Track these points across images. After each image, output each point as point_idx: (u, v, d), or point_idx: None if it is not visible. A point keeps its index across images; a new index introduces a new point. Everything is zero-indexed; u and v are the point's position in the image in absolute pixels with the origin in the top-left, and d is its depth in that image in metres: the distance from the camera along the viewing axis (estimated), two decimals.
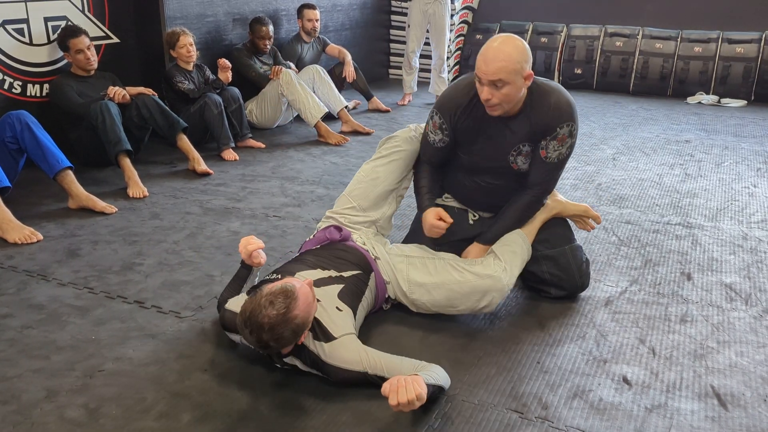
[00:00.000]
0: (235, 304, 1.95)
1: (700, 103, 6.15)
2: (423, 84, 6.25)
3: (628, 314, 2.37)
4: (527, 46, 2.10)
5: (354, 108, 5.72)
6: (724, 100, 6.13)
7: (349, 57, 5.47)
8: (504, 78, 2.02)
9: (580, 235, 3.07)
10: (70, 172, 3.26)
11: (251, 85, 4.77)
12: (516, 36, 2.11)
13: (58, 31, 3.82)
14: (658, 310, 2.41)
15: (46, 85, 3.92)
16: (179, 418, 1.78)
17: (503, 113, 2.17)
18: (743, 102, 6.08)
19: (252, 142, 4.50)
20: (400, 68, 6.58)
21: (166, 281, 2.57)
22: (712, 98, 6.15)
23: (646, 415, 1.81)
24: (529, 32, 6.93)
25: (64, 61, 3.94)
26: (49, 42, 3.94)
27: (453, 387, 1.92)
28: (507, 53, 2.02)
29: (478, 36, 7.11)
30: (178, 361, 2.02)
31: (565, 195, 3.60)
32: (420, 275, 2.24)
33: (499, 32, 7.00)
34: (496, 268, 2.23)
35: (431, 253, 2.34)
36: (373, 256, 2.27)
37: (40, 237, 2.93)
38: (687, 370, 2.04)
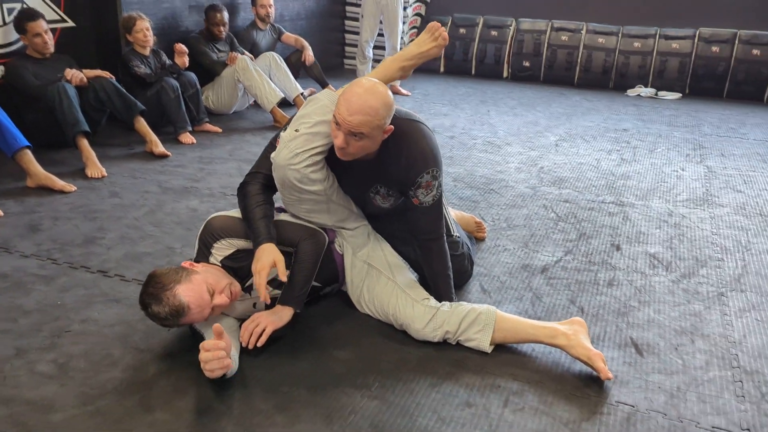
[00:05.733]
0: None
1: (639, 95, 6.49)
2: None
3: (562, 279, 2.60)
4: (392, 99, 1.94)
5: (309, 95, 5.84)
6: (661, 93, 6.48)
7: (307, 43, 5.61)
8: (365, 132, 1.88)
9: (521, 213, 3.30)
10: (29, 152, 3.31)
11: (207, 71, 4.86)
12: (382, 86, 1.93)
13: (15, 14, 3.84)
14: (588, 276, 2.64)
15: (1, 67, 3.94)
16: (145, 371, 1.91)
17: (353, 159, 2.01)
18: (678, 95, 6.44)
19: (209, 127, 4.59)
20: (354, 58, 6.72)
21: (128, 253, 2.68)
22: (650, 91, 6.50)
23: (571, 361, 2.02)
24: (480, 25, 7.17)
25: (20, 44, 3.96)
26: (5, 24, 3.96)
27: (387, 356, 2.10)
28: (374, 108, 1.86)
29: None
30: (142, 322, 2.13)
31: (509, 177, 3.84)
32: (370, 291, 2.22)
33: (451, 25, 7.23)
34: (431, 324, 2.07)
35: (389, 269, 2.23)
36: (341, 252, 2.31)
37: (0, 213, 2.99)
38: (610, 326, 2.26)
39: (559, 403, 1.84)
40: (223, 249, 2.07)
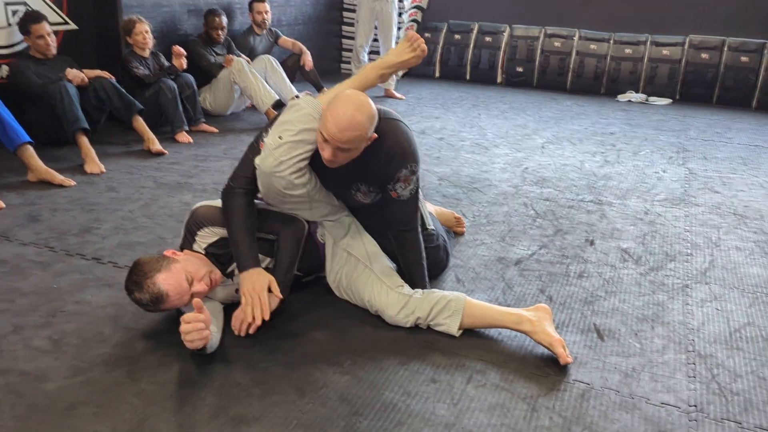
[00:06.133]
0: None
1: (629, 101, 6.62)
2: None
3: (534, 271, 2.72)
4: (375, 108, 2.06)
5: None
6: (651, 99, 6.61)
7: (305, 48, 5.75)
8: (352, 146, 2.01)
9: (501, 210, 3.43)
10: (30, 147, 3.46)
11: (205, 73, 5.01)
12: (366, 98, 2.04)
13: (20, 16, 3.99)
14: (560, 268, 2.76)
15: (5, 67, 4.09)
16: (134, 347, 2.04)
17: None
18: (668, 100, 6.57)
19: (205, 127, 4.74)
20: (350, 63, 6.87)
21: (122, 242, 2.81)
22: (641, 96, 6.62)
23: (535, 345, 2.14)
24: (475, 32, 7.32)
25: (24, 45, 4.11)
26: (9, 26, 4.11)
27: (360, 338, 2.22)
28: (360, 123, 1.98)
29: (427, 34, 7.47)
30: (133, 304, 2.22)
31: (493, 176, 3.96)
32: (347, 278, 2.33)
33: (446, 31, 7.38)
34: (403, 310, 2.20)
35: (367, 258, 2.33)
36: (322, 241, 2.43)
37: (2, 205, 3.13)
38: (576, 313, 2.39)
39: (519, 380, 1.96)
40: (206, 237, 2.20)
